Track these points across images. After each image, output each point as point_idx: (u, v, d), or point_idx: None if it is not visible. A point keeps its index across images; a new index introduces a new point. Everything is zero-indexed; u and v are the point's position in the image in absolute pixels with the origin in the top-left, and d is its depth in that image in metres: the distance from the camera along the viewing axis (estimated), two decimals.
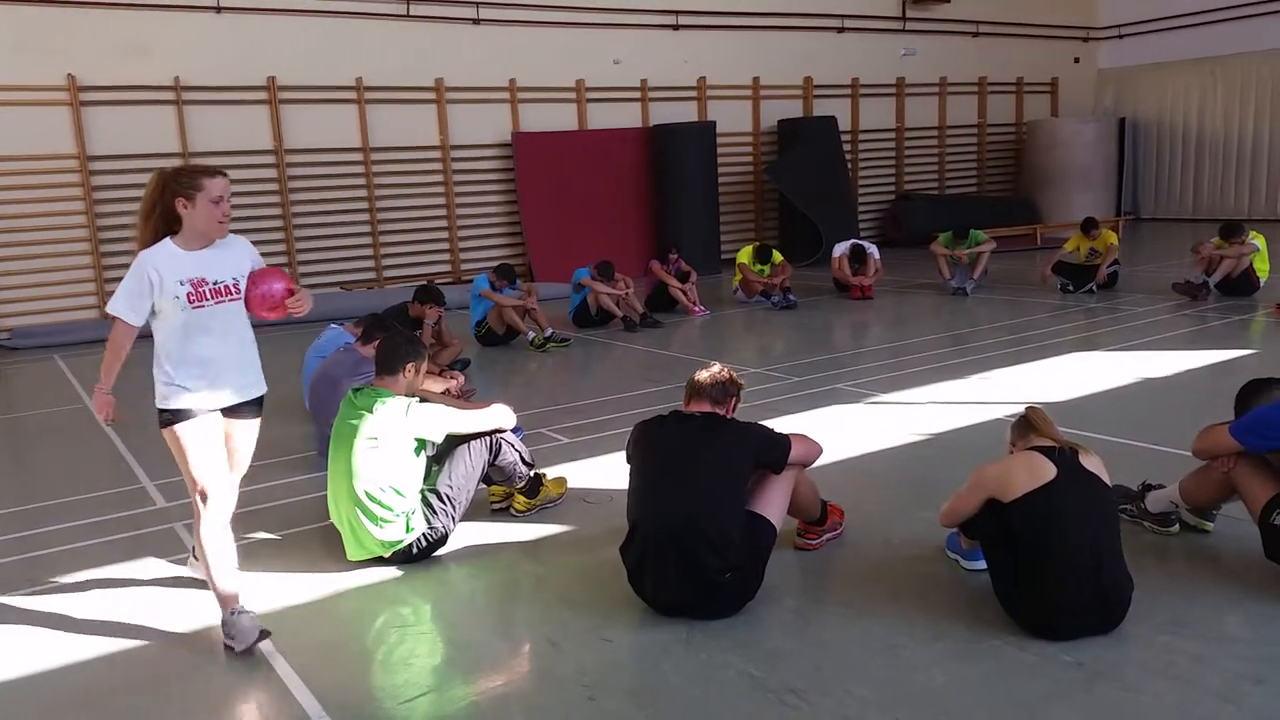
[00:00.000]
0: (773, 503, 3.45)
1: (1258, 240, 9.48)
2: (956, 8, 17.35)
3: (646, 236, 14.13)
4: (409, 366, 3.99)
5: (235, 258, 3.35)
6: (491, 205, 13.92)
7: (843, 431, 5.68)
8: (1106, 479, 3.19)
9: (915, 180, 17.84)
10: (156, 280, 3.16)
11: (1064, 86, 19.35)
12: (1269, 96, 17.32)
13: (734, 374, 3.65)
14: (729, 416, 3.55)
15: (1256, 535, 3.46)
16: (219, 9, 11.80)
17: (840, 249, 11.49)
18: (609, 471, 4.91)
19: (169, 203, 3.20)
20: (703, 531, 3.21)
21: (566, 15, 13.91)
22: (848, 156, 16.45)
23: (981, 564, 3.39)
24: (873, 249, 11.45)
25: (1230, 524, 3.82)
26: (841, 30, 16.43)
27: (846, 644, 3.16)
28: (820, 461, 4.93)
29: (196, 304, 3.21)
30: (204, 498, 3.27)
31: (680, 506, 3.25)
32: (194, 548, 3.61)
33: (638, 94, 14.76)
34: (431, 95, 13.20)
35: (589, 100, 14.36)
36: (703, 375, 3.58)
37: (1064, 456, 3.13)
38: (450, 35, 13.23)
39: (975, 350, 7.94)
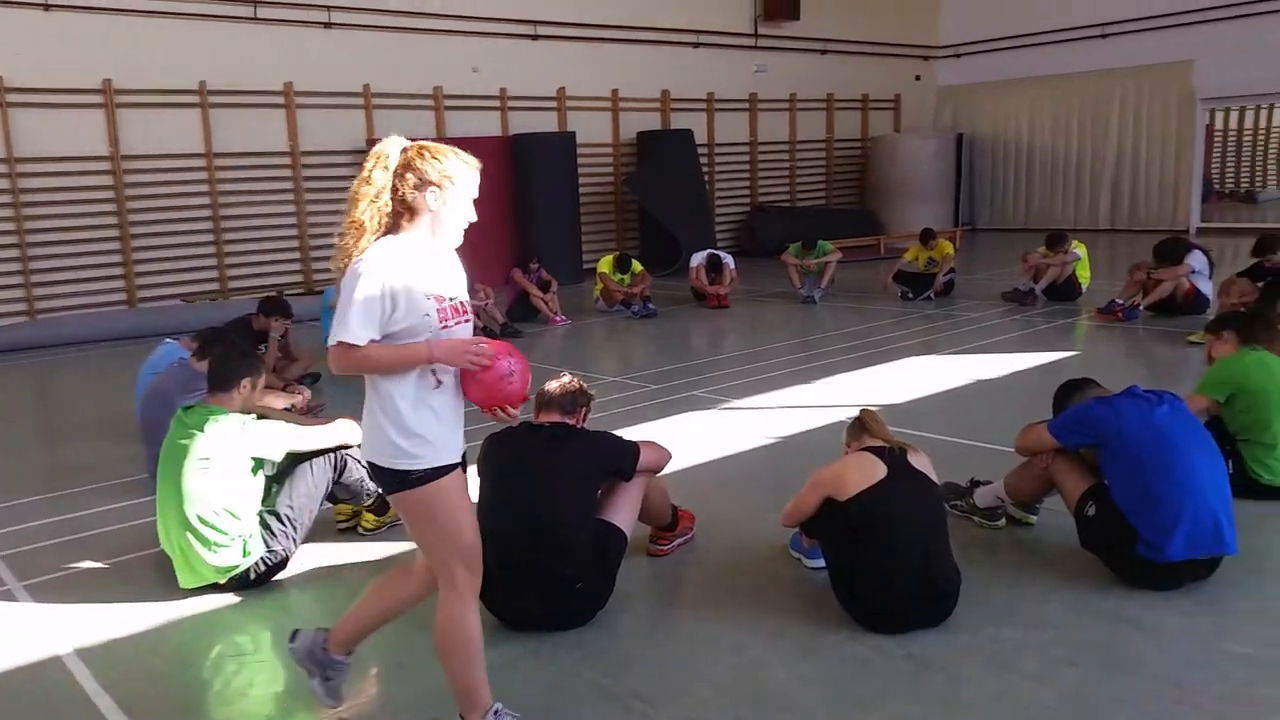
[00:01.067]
0: (623, 510, 3.48)
1: (1079, 249, 10.16)
2: (805, 26, 17.96)
3: (508, 246, 14.02)
4: (244, 382, 3.84)
5: (458, 271, 2.70)
6: (343, 214, 13.51)
7: (697, 437, 5.79)
8: (934, 477, 3.36)
9: (769, 192, 18.35)
10: (401, 290, 2.44)
11: (906, 103, 20.30)
12: (1090, 114, 18.63)
13: (584, 384, 3.68)
14: (579, 426, 3.56)
15: (1074, 526, 3.70)
16: (47, 6, 11.09)
17: (697, 259, 11.71)
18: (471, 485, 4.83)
19: (410, 188, 2.54)
20: (553, 541, 3.21)
21: (423, 21, 13.70)
22: (704, 169, 16.79)
23: (822, 562, 3.51)
24: (728, 259, 11.71)
25: (1052, 516, 4.06)
26: (697, 45, 16.77)
27: (694, 647, 3.22)
28: (674, 467, 5.03)
29: (444, 325, 2.50)
30: (469, 568, 2.56)
31: (530, 518, 3.24)
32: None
33: (497, 103, 14.66)
34: (280, 100, 12.75)
35: (447, 108, 14.17)
36: (552, 386, 3.60)
37: (894, 456, 3.28)
38: (300, 38, 12.81)
39: (823, 355, 8.23)
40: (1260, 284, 7.61)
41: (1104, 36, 18.05)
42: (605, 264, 11.39)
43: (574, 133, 14.79)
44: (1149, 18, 17.36)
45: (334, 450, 3.99)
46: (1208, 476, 3.41)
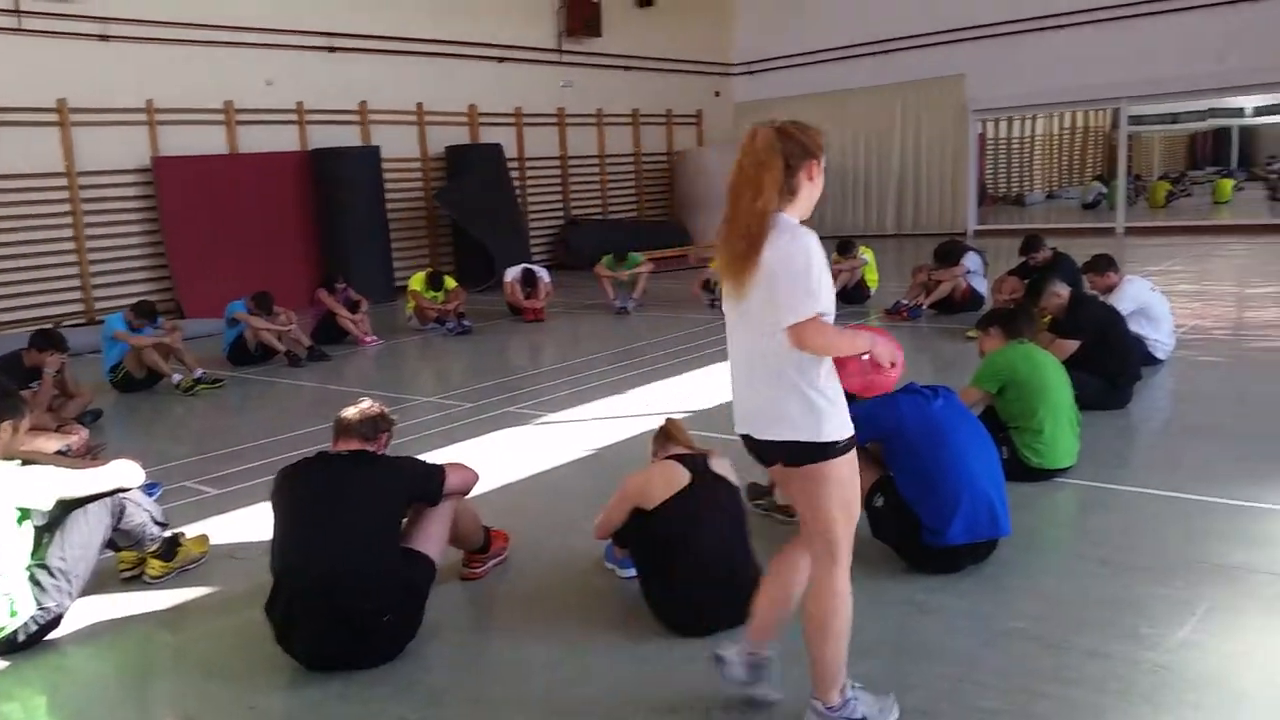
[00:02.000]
0: (430, 537, 3.41)
1: (866, 254, 10.79)
2: (608, 43, 18.26)
3: (311, 265, 13.50)
4: (4, 425, 3.51)
5: None
6: (131, 236, 12.64)
7: (513, 454, 5.77)
8: (735, 480, 3.47)
9: (581, 205, 18.52)
10: (825, 269, 2.44)
11: (708, 118, 20.98)
12: (875, 126, 19.85)
13: (384, 409, 3.58)
14: (380, 452, 3.46)
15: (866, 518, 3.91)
16: None
17: (512, 273, 11.67)
18: (261, 522, 4.62)
19: (795, 168, 2.46)
20: (355, 576, 3.10)
21: (210, 34, 12.99)
22: (516, 183, 16.76)
23: (634, 571, 3.56)
24: (543, 273, 11.74)
25: None
26: (502, 60, 16.73)
27: (508, 671, 3.19)
28: (488, 486, 5.00)
29: None
30: (849, 542, 2.59)
31: (329, 552, 3.12)
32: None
33: (294, 116, 14.10)
34: (54, 117, 11.78)
35: (240, 123, 13.50)
36: (350, 412, 3.48)
37: (696, 463, 3.37)
38: (74, 51, 11.88)
39: (638, 365, 8.36)
40: (1027, 280, 8.32)
41: (884, 53, 19.27)
42: (417, 281, 11.17)
43: (378, 147, 14.43)
44: (923, 35, 18.67)
45: (111, 494, 3.71)
46: (981, 464, 3.68)
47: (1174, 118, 28.50)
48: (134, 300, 9.17)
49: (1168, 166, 32.10)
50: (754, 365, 2.58)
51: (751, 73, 21.20)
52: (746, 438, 2.65)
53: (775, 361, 2.51)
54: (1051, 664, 2.98)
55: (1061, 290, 6.07)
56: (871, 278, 10.80)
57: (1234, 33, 15.78)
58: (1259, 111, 28.41)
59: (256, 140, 13.63)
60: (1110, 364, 5.79)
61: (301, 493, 3.27)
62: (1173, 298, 7.44)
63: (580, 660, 3.19)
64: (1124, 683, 2.84)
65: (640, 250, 12.58)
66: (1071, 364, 5.76)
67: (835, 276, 10.45)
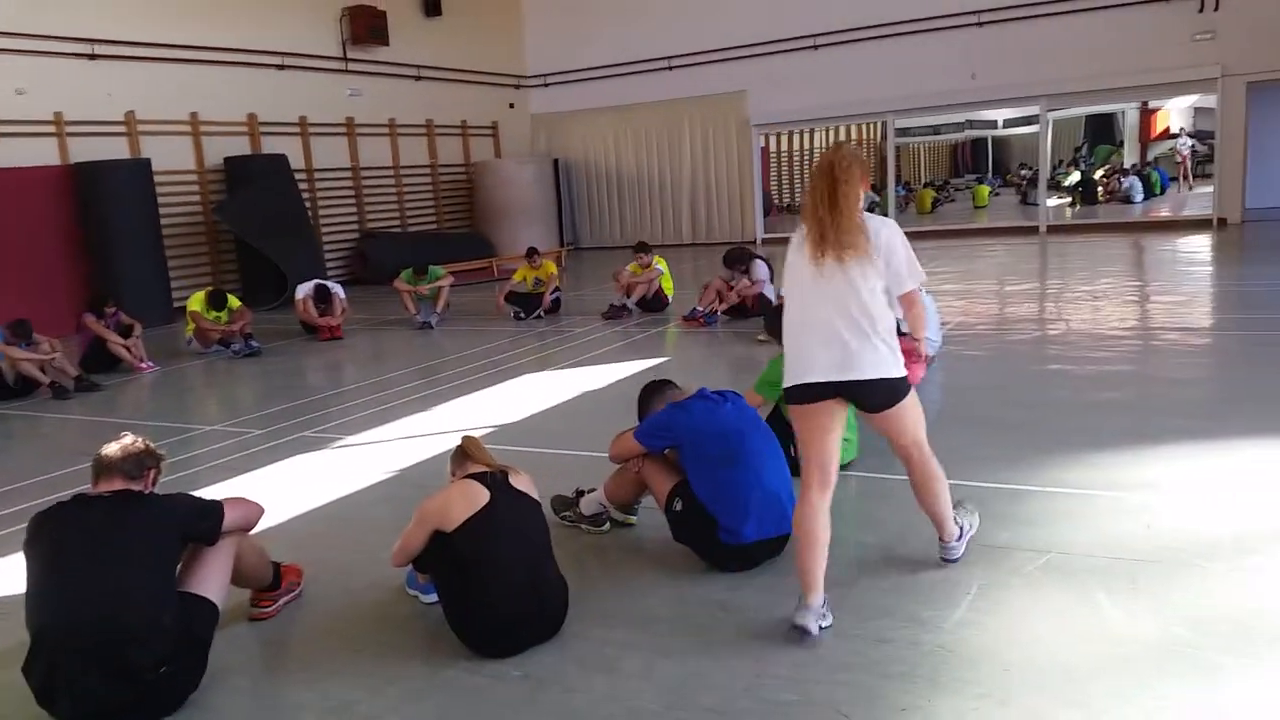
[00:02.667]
0: (211, 578, 3.19)
1: (661, 264, 11.07)
2: (397, 51, 17.85)
3: (76, 288, 12.43)
4: None
5: None
6: None
7: (310, 481, 5.52)
8: (535, 495, 3.46)
9: (377, 218, 18.00)
10: None
11: (504, 129, 20.92)
12: (666, 140, 20.43)
13: (150, 444, 3.32)
14: (148, 491, 3.21)
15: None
16: None
17: (304, 290, 11.19)
18: (18, 575, 4.19)
19: (867, 178, 3.52)
20: (125, 627, 2.85)
21: None
22: (305, 195, 16.08)
23: (436, 596, 3.48)
24: (338, 288, 11.32)
25: (652, 514, 4.32)
26: (282, 68, 16.01)
27: (303, 713, 3.03)
28: (281, 517, 4.77)
29: None
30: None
31: (96, 602, 2.86)
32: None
33: (52, 128, 12.94)
34: None
35: None
36: (111, 449, 3.20)
37: (495, 480, 3.33)
38: None
39: (443, 381, 8.21)
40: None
41: (671, 69, 19.86)
42: (196, 301, 10.50)
43: (149, 159, 13.48)
44: (706, 51, 19.40)
45: None
46: (769, 465, 3.84)
47: (936, 130, 30.88)
48: None
49: (933, 175, 34.80)
50: (845, 322, 3.28)
51: (546, 85, 21.33)
52: (827, 385, 3.31)
53: (866, 319, 3.27)
54: (842, 651, 3.14)
55: None
56: (668, 286, 11.08)
57: (981, 52, 17.33)
58: (1008, 124, 31.30)
59: (9, 154, 12.43)
60: None
61: (60, 540, 2.97)
62: (939, 297, 8.04)
63: (379, 695, 3.08)
64: (907, 665, 3.03)
65: (441, 263, 12.35)
66: None
67: (633, 289, 10.77)
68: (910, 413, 3.49)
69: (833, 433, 3.35)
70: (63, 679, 2.85)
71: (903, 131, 25.89)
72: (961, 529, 3.74)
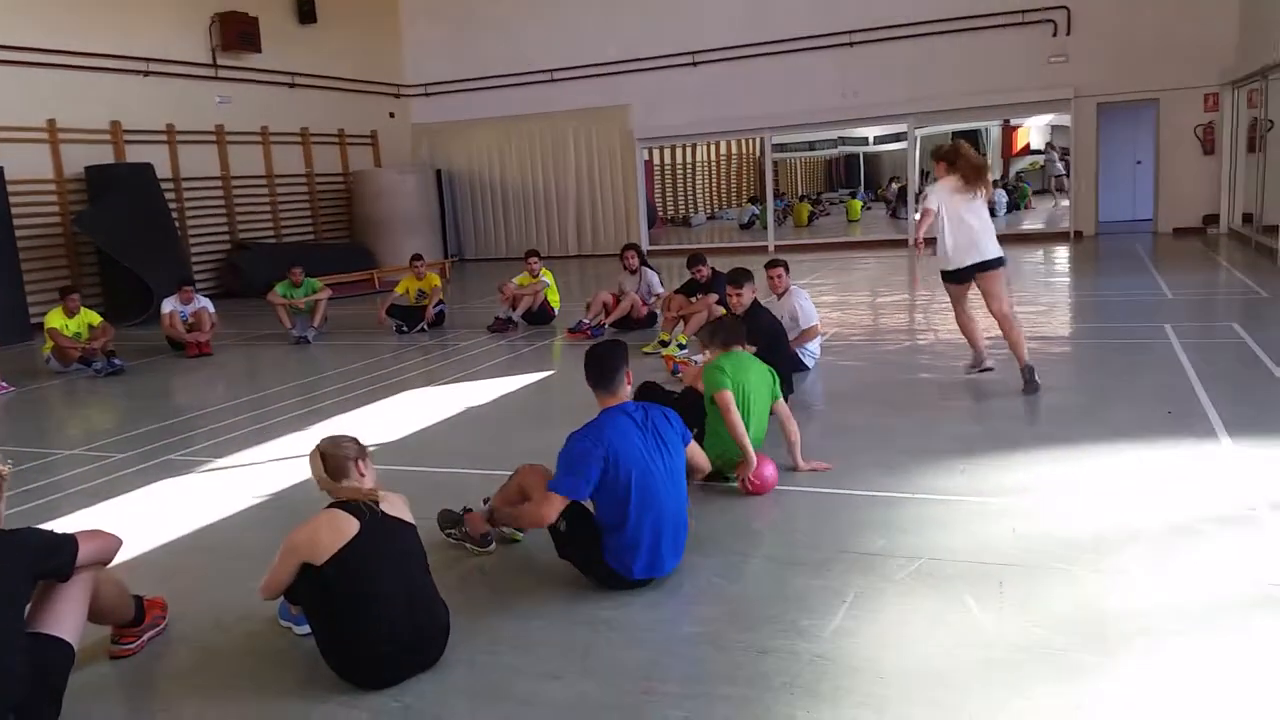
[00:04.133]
0: (65, 617, 2.99)
1: (547, 276, 11.02)
2: (269, 58, 17.32)
3: None
4: None
5: None
6: None
7: (176, 507, 5.27)
8: (409, 517, 3.35)
9: (250, 229, 17.39)
10: None
11: (384, 139, 20.51)
12: (551, 152, 20.41)
13: None
14: None
15: None
16: None
17: (170, 304, 10.70)
18: None
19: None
20: None
21: None
22: (172, 205, 15.40)
23: (309, 628, 3.35)
24: (206, 302, 10.87)
25: (540, 532, 4.26)
26: (147, 74, 15.32)
27: None
28: (143, 547, 4.54)
29: None
30: None
31: None
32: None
33: None
34: None
35: None
36: None
37: (365, 507, 3.21)
38: None
39: (321, 398, 7.96)
40: (693, 298, 8.88)
41: (553, 81, 19.87)
42: (54, 318, 9.92)
43: (1, 167, 12.67)
44: (591, 65, 19.50)
45: None
46: (670, 496, 3.75)
47: (811, 145, 31.79)
48: None
49: (809, 189, 35.77)
50: (985, 225, 6.56)
51: (427, 94, 21.05)
52: (974, 265, 6.58)
53: (989, 223, 6.59)
54: (727, 665, 3.17)
55: (750, 292, 6.55)
56: (554, 298, 11.04)
57: (854, 71, 17.95)
58: (878, 140, 32.49)
59: None
60: (779, 369, 6.29)
61: None
62: (818, 308, 8.25)
63: None
64: (789, 676, 3.08)
65: (319, 275, 12.00)
66: None
67: (519, 301, 10.69)
68: (1002, 277, 6.62)
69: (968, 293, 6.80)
70: None
71: (780, 147, 26.59)
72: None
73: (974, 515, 4.41)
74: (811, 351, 7.67)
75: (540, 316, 10.90)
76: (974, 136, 32.34)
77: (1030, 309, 10.46)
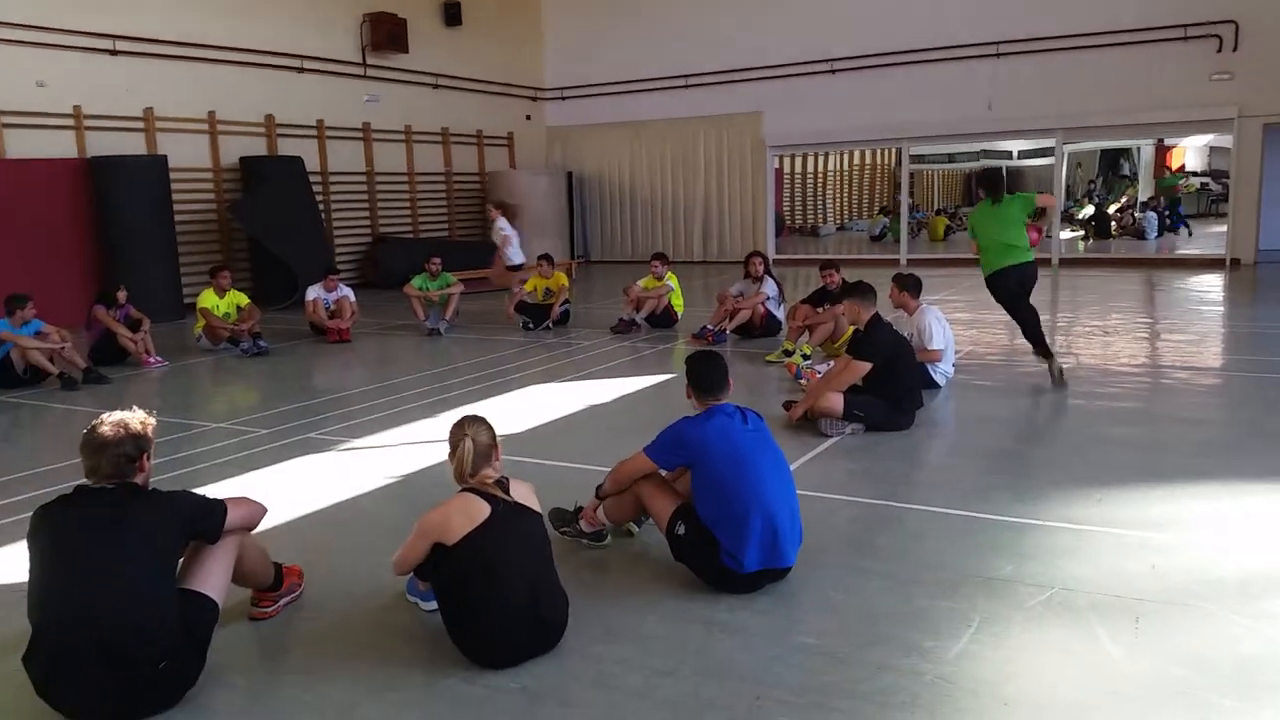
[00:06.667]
0: (212, 576, 3.18)
1: (672, 281, 11.07)
2: (416, 59, 17.96)
3: (88, 280, 12.49)
4: None
5: None
6: None
7: (312, 483, 5.52)
8: (537, 506, 3.44)
9: (390, 223, 18.07)
10: None
11: (519, 141, 21.00)
12: (680, 157, 20.50)
13: (145, 421, 3.13)
14: (148, 485, 3.15)
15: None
16: None
17: (314, 291, 11.22)
18: (23, 564, 4.20)
19: None
20: (126, 622, 2.85)
21: None
22: (319, 198, 16.14)
23: (436, 604, 3.46)
24: (348, 291, 11.35)
25: (654, 529, 4.30)
26: (302, 70, 16.11)
27: (300, 714, 3.03)
28: (284, 517, 4.77)
29: None
30: None
31: (96, 598, 2.86)
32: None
33: (70, 121, 13.04)
34: None
35: (7, 126, 12.36)
36: (105, 431, 3.04)
37: (496, 493, 3.31)
38: None
39: (450, 388, 8.21)
40: (820, 308, 8.79)
41: (687, 87, 19.95)
42: (207, 298, 10.54)
43: (165, 156, 13.56)
44: (723, 71, 19.49)
45: None
46: (777, 492, 3.78)
47: (950, 157, 30.95)
48: None
49: (946, 202, 34.82)
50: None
51: (563, 98, 21.43)
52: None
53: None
54: (842, 678, 3.13)
55: (869, 308, 6.40)
56: (678, 303, 11.08)
57: (999, 83, 17.38)
58: (1023, 155, 31.36)
59: (27, 145, 12.52)
60: (896, 388, 6.18)
61: (62, 534, 2.96)
62: (951, 325, 8.02)
63: (377, 701, 3.07)
64: (908, 695, 3.01)
65: (453, 270, 12.38)
66: (859, 386, 6.13)
67: (643, 304, 10.77)
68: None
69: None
70: (63, 673, 2.86)
71: (917, 158, 25.95)
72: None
73: (1109, 547, 4.21)
74: (944, 371, 7.46)
75: (663, 320, 10.95)
76: (1124, 155, 30.94)
77: (1180, 338, 9.93)
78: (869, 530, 4.55)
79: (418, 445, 6.30)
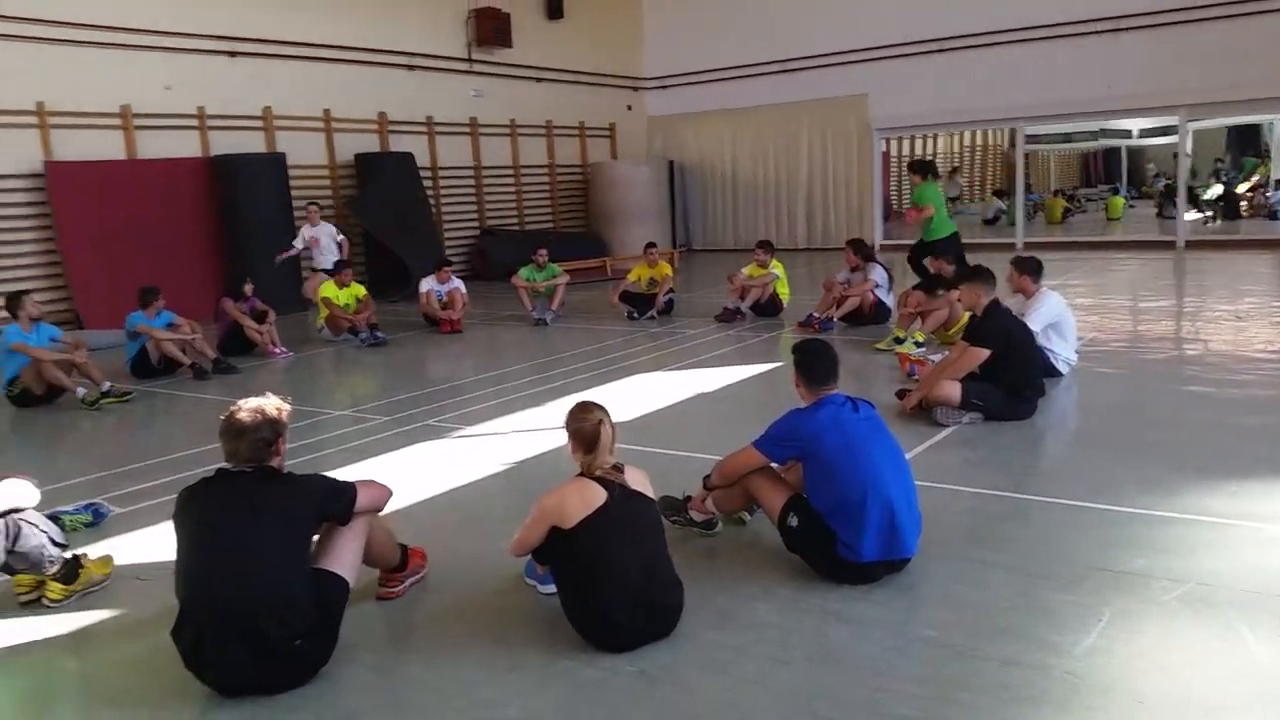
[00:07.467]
0: (343, 556, 3.31)
1: (778, 268, 10.96)
2: (519, 54, 18.21)
3: (215, 274, 13.11)
4: None
5: None
6: (23, 245, 12.09)
7: (430, 468, 5.68)
8: (651, 493, 3.46)
9: (496, 216, 18.40)
10: None
11: (621, 131, 21.09)
12: (783, 143, 20.25)
13: (280, 406, 3.28)
14: (283, 468, 3.30)
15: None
16: None
17: (427, 284, 11.52)
18: (168, 542, 4.43)
19: None
20: (264, 600, 3.00)
21: (106, 35, 12.53)
22: (429, 192, 16.55)
23: (554, 587, 3.52)
24: (459, 283, 11.61)
25: (765, 517, 4.26)
26: (412, 68, 16.52)
27: (424, 692, 3.13)
28: (405, 501, 4.92)
29: None
30: None
31: (237, 576, 3.00)
32: None
33: (195, 122, 13.68)
34: None
35: (138, 127, 13.04)
36: (244, 416, 3.19)
37: (612, 478, 3.34)
38: None
39: (557, 377, 8.33)
40: (931, 295, 8.57)
41: (790, 71, 19.67)
42: (328, 287, 10.94)
43: (284, 154, 14.10)
44: (827, 54, 19.14)
45: (3, 515, 3.53)
46: (894, 480, 3.72)
47: (1067, 137, 29.72)
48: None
49: (1063, 184, 33.47)
50: None
51: (664, 87, 21.41)
52: None
53: None
54: (964, 671, 3.06)
55: (988, 293, 6.21)
56: (783, 291, 10.97)
57: (1117, 60, 16.61)
58: (1144, 133, 29.89)
59: (156, 146, 13.20)
60: (1015, 375, 5.99)
61: (205, 514, 3.13)
62: (1073, 311, 7.73)
63: (500, 681, 3.15)
64: (1035, 690, 2.93)
65: (557, 261, 12.55)
66: (977, 373, 5.96)
67: (748, 292, 10.70)
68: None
69: None
70: (206, 647, 3.02)
71: (1032, 139, 25.02)
72: None
73: (1248, 541, 4.01)
74: (1066, 358, 7.19)
75: (769, 308, 10.86)
76: (1254, 131, 29.25)
77: None
78: (989, 522, 4.43)
79: (529, 433, 6.41)
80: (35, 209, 12.13)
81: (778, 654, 3.24)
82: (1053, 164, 34.63)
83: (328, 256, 12.28)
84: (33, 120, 12.01)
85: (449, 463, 5.81)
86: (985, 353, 5.95)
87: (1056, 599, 3.54)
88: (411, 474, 5.56)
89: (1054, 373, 6.96)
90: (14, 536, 3.55)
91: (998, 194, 27.22)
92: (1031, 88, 17.38)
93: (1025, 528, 4.35)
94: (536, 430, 6.45)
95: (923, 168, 10.92)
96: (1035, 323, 6.73)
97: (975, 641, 3.24)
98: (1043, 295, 7.09)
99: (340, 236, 12.66)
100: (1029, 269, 7.16)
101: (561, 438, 3.57)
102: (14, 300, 8.11)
